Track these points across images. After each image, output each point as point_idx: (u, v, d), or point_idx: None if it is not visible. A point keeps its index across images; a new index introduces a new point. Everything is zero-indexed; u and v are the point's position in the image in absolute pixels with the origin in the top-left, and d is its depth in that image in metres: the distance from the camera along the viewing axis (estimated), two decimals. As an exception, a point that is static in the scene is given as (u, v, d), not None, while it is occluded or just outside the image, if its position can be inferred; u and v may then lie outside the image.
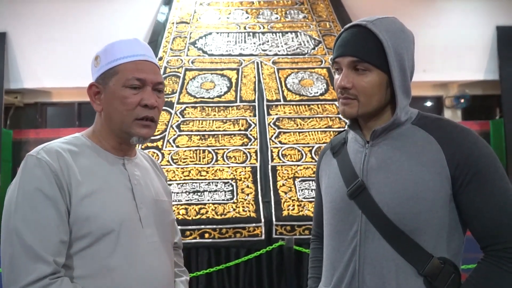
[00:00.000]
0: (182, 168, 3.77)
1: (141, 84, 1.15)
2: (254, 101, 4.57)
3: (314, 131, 4.19)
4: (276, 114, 4.41)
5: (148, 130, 1.18)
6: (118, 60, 1.15)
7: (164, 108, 4.15)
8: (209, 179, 3.65)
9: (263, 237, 3.20)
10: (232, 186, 3.58)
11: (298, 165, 3.81)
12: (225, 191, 3.52)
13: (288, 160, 3.87)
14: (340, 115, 3.71)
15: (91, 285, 1.06)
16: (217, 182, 3.62)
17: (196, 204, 3.38)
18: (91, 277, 1.07)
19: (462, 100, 7.06)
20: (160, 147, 3.99)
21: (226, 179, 3.66)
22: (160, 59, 5.10)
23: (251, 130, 4.19)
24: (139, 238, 1.15)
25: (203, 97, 4.61)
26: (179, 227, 3.29)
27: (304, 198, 3.46)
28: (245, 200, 3.44)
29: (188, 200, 3.42)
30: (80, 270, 1.07)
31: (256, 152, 3.95)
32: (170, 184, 3.58)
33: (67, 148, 1.12)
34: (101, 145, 1.18)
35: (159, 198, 1.27)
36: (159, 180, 1.34)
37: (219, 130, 4.19)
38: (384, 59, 1.04)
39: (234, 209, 3.33)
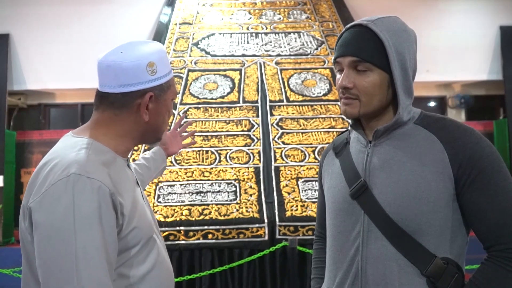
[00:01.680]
0: (185, 168, 3.77)
1: None
2: (257, 101, 4.57)
3: (317, 132, 4.18)
4: (279, 114, 4.41)
5: None
6: (171, 72, 1.18)
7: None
8: (212, 180, 3.65)
9: (266, 237, 3.21)
10: (235, 186, 3.58)
11: (301, 166, 3.80)
12: (228, 192, 3.52)
13: (291, 161, 3.87)
14: (343, 116, 3.70)
15: None
16: (220, 183, 3.62)
17: (199, 205, 3.38)
18: (139, 283, 1.08)
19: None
20: (163, 148, 3.99)
21: (229, 179, 3.66)
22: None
23: (254, 131, 4.19)
24: (157, 238, 1.17)
25: (206, 98, 4.62)
26: (182, 227, 3.32)
27: (307, 198, 3.46)
28: (248, 200, 3.44)
29: (191, 201, 3.42)
30: (132, 278, 1.07)
31: (259, 152, 3.95)
32: (173, 185, 3.59)
33: (102, 161, 1.04)
34: (116, 149, 1.12)
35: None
36: None
37: (222, 131, 4.19)
38: (385, 58, 1.03)
39: (237, 210, 3.34)
